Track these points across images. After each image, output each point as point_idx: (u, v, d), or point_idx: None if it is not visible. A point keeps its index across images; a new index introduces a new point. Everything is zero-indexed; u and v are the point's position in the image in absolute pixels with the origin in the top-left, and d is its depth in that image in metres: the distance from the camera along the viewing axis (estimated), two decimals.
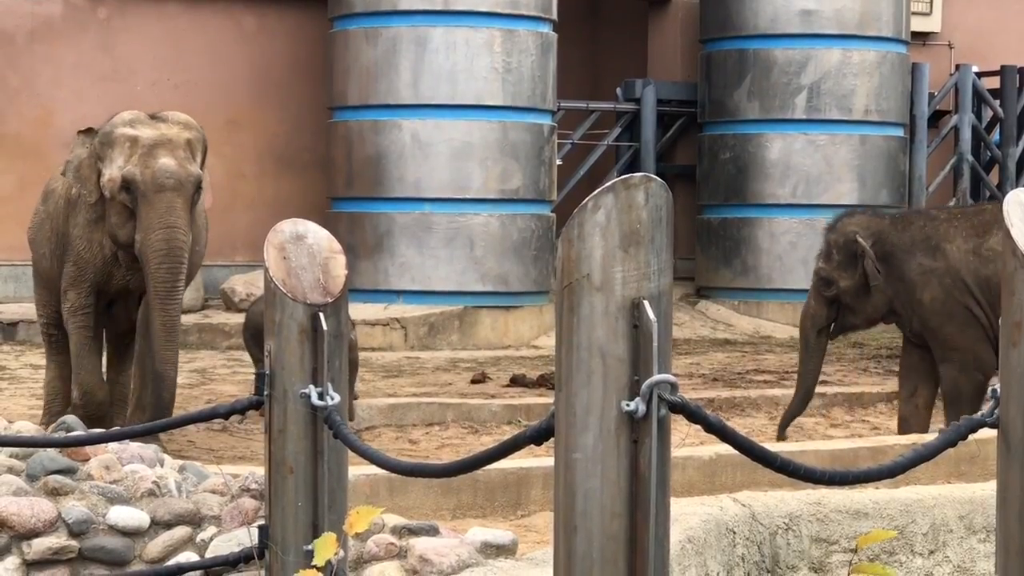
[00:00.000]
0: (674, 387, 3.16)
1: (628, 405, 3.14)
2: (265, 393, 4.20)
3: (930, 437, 11.41)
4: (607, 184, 3.20)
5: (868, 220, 12.01)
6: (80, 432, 5.27)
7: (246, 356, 12.87)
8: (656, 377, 3.13)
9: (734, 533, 6.38)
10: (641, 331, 3.15)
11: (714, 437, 3.34)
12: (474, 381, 13.61)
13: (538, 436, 3.36)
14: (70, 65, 17.03)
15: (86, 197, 9.91)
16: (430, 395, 12.62)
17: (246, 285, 16.13)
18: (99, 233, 9.93)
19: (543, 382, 13.05)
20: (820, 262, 11.87)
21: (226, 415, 4.62)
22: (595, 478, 3.17)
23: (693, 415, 3.19)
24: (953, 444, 3.36)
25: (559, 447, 3.21)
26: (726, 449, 9.61)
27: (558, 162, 17.73)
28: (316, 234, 4.26)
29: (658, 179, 3.22)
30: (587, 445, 3.17)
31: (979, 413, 3.12)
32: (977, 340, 11.89)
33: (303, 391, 4.14)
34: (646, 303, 3.15)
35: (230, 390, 12.34)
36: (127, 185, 9.65)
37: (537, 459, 9.08)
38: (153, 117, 10.01)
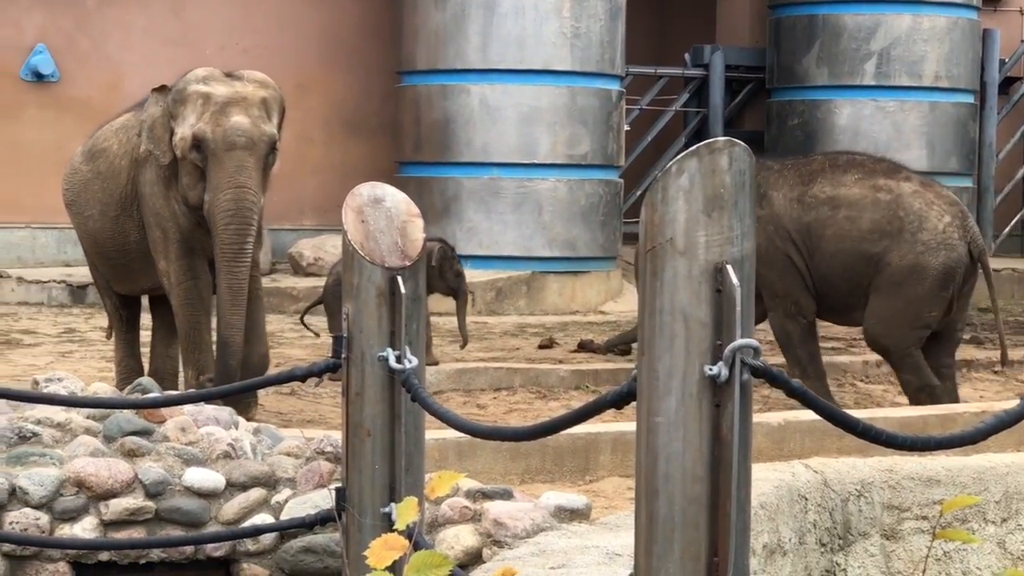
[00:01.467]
0: (756, 351, 3.14)
1: (711, 369, 3.13)
2: (343, 356, 4.21)
3: (1007, 405, 11.39)
4: (691, 148, 3.19)
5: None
6: (156, 394, 5.30)
7: (314, 320, 12.91)
8: (739, 342, 3.12)
9: (806, 499, 6.38)
10: (724, 295, 3.14)
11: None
12: (541, 346, 13.64)
13: (619, 400, 3.34)
14: (140, 29, 17.09)
15: (159, 158, 9.74)
16: (498, 360, 12.63)
17: (314, 249, 16.18)
18: (174, 194, 9.82)
19: (610, 348, 13.05)
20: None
21: (303, 378, 4.63)
22: (677, 442, 3.16)
23: (775, 379, 3.18)
24: None
25: (641, 411, 3.20)
26: (794, 415, 9.69)
27: (626, 128, 17.70)
28: (394, 197, 4.25)
29: (742, 143, 3.20)
30: (669, 409, 3.16)
31: None
32: (796, 287, 12.11)
33: (381, 354, 4.15)
34: (729, 267, 3.14)
35: (298, 354, 12.38)
36: (197, 143, 9.48)
37: (605, 424, 9.07)
38: (228, 75, 9.81)
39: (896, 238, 11.53)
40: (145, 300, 10.74)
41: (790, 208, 11.94)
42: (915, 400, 11.82)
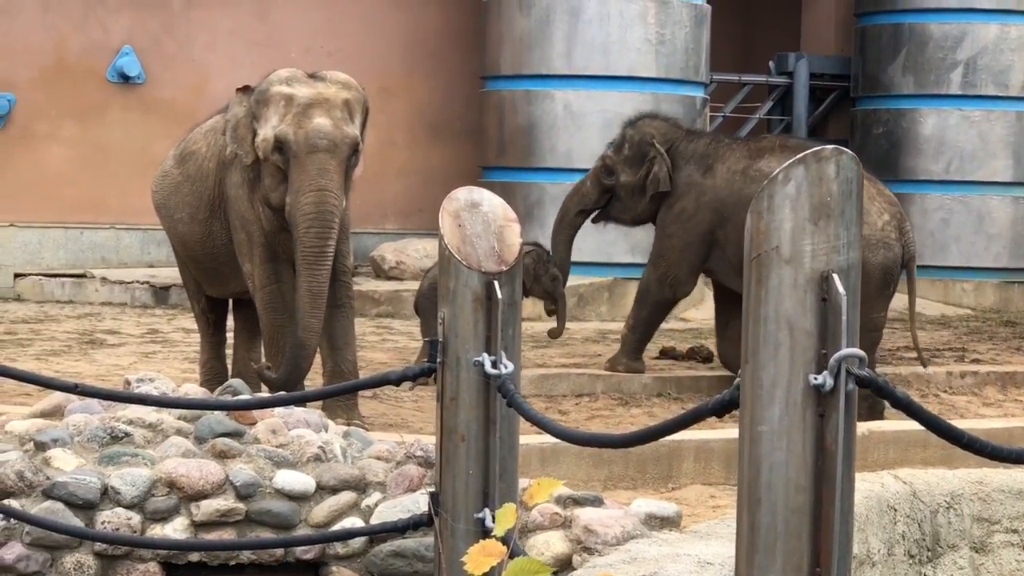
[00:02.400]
0: (862, 361, 3.13)
1: (816, 379, 3.12)
2: (438, 361, 4.21)
3: None
4: (799, 156, 3.18)
5: (667, 128, 12.63)
6: (247, 396, 5.32)
7: (395, 323, 12.96)
8: (845, 351, 3.11)
9: (895, 510, 6.34)
10: (830, 304, 3.13)
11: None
12: (664, 354, 13.54)
13: (720, 408, 3.34)
14: (225, 31, 17.19)
15: (242, 158, 9.72)
16: (579, 366, 12.65)
17: (395, 253, 16.22)
18: (258, 197, 9.80)
19: (692, 355, 13.03)
20: (610, 150, 12.52)
21: (397, 382, 4.62)
22: (780, 451, 3.16)
23: (881, 390, 3.18)
24: None
25: (744, 420, 3.19)
26: (877, 426, 9.63)
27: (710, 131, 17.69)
28: (491, 202, 4.25)
29: (849, 152, 3.20)
30: (773, 418, 3.15)
31: None
32: (688, 265, 12.50)
33: (476, 359, 4.15)
34: (835, 276, 3.13)
35: (380, 357, 12.42)
36: (280, 145, 9.46)
37: (688, 432, 8.98)
38: (312, 76, 9.77)
39: None
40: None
41: (731, 180, 12.11)
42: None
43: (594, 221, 12.95)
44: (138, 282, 15.99)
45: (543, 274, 12.04)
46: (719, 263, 12.21)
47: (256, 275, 9.86)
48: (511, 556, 3.26)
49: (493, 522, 3.97)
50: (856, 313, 3.16)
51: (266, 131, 9.54)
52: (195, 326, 11.42)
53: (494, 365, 4.13)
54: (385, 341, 13.23)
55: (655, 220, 12.44)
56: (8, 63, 16.54)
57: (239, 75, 16.28)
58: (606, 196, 12.49)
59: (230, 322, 10.90)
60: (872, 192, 11.88)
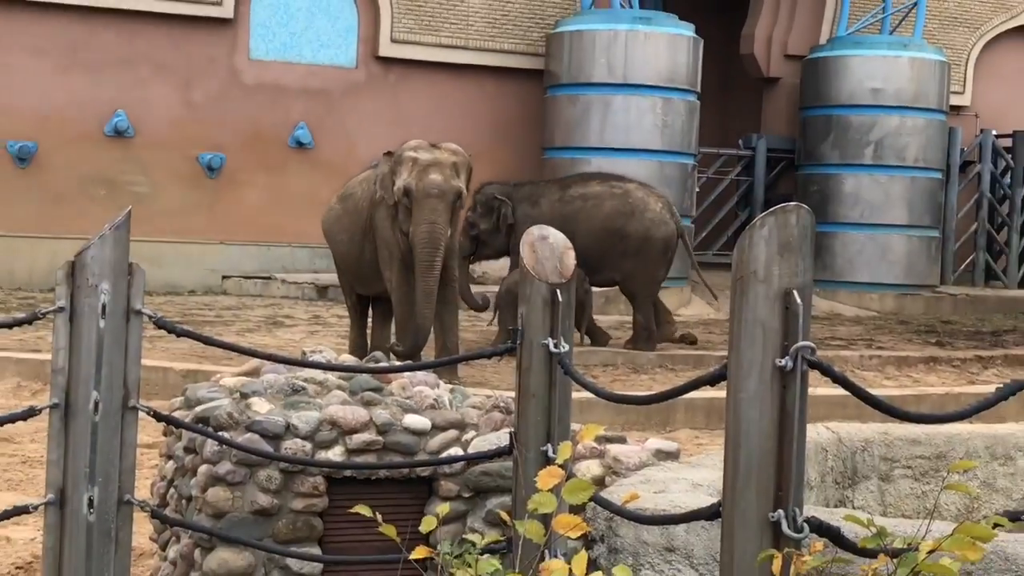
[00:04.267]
0: (813, 351, 3.13)
1: (780, 362, 3.12)
2: (518, 343, 4.23)
3: (964, 389, 11.28)
4: (770, 209, 3.18)
5: (501, 186, 12.91)
6: (385, 364, 5.36)
7: (481, 315, 12.93)
8: (801, 344, 3.11)
9: (826, 451, 6.30)
10: (791, 312, 3.12)
11: None
12: (682, 339, 13.47)
13: (713, 380, 3.35)
14: (368, 113, 17.22)
15: (387, 200, 10.01)
16: (609, 347, 12.58)
17: (481, 266, 16.07)
18: (396, 227, 10.04)
19: (683, 339, 12.98)
20: (469, 212, 12.50)
21: (490, 356, 4.66)
22: (755, 411, 3.15)
23: (826, 371, 3.18)
24: (1006, 399, 3.27)
25: (730, 389, 3.19)
26: (813, 391, 9.53)
27: (696, 189, 17.67)
28: (555, 236, 4.28)
29: (806, 207, 3.18)
30: (750, 388, 3.15)
31: None
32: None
33: (543, 342, 4.17)
34: (795, 292, 3.13)
35: (470, 338, 12.41)
36: (407, 192, 9.76)
37: (691, 396, 8.97)
38: (432, 145, 10.14)
39: (629, 217, 12.26)
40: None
41: (554, 206, 12.48)
42: (636, 334, 12.49)
43: (471, 263, 13.18)
44: (306, 283, 16.06)
45: (580, 287, 12.02)
46: None
47: (393, 280, 10.15)
48: (567, 478, 3.26)
49: (554, 453, 4.00)
50: (808, 317, 3.15)
51: (400, 182, 9.87)
52: (347, 314, 11.55)
53: (555, 346, 4.15)
54: (474, 326, 13.22)
55: (509, 251, 12.61)
56: (222, 133, 16.65)
57: (377, 143, 16.35)
58: (474, 244, 12.63)
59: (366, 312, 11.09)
60: (647, 190, 12.81)
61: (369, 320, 11.08)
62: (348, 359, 5.55)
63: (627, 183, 12.82)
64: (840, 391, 3.36)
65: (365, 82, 17.31)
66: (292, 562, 4.53)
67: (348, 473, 4.59)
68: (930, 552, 2.76)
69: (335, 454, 4.61)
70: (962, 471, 2.44)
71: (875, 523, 2.94)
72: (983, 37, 20.23)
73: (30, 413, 4.20)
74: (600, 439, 4.98)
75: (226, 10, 16.46)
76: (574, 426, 4.36)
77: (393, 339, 10.47)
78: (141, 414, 4.19)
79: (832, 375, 3.18)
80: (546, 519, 3.18)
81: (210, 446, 4.54)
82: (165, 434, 5.19)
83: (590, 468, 4.80)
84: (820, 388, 10.84)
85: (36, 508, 4.16)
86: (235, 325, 13.09)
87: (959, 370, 12.82)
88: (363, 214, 10.44)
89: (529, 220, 12.38)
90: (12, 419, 4.21)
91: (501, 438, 4.56)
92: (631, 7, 17.00)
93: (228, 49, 16.72)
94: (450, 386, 5.37)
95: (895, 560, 2.81)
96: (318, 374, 4.96)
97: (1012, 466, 6.66)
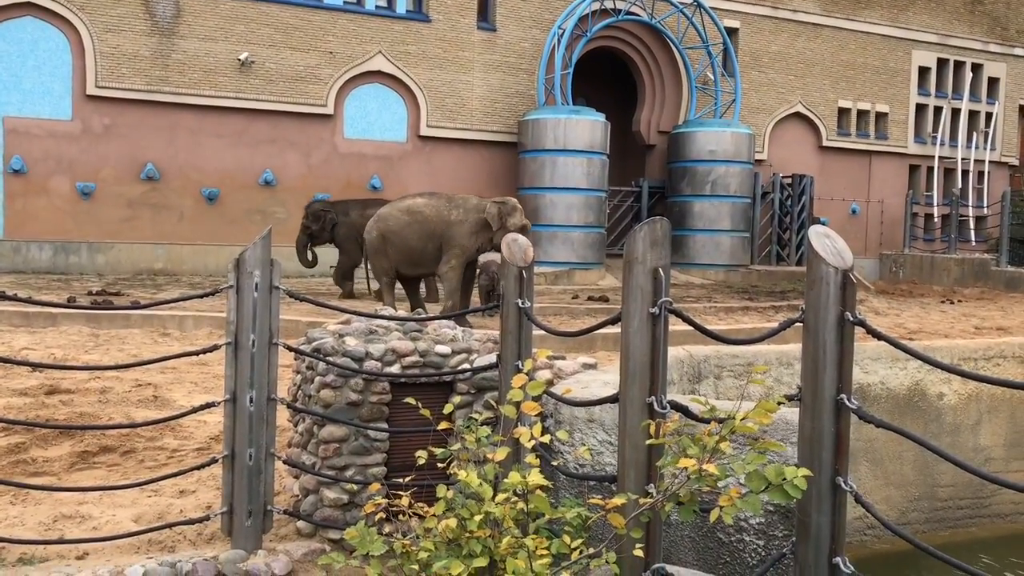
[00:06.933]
0: (671, 303, 3.10)
1: (652, 310, 3.09)
2: (500, 303, 4.18)
3: (766, 326, 11.24)
4: (645, 221, 3.15)
5: (326, 203, 12.60)
6: (424, 315, 5.28)
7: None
8: (663, 299, 3.08)
9: (683, 362, 6.31)
10: (657, 281, 3.10)
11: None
12: (574, 297, 13.44)
13: (615, 321, 3.31)
14: (413, 169, 17.08)
15: (494, 226, 9.76)
16: (557, 304, 12.51)
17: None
18: (475, 238, 9.87)
19: (600, 299, 12.94)
20: (306, 220, 12.23)
21: (484, 311, 4.59)
22: (638, 338, 3.13)
23: (679, 315, 3.14)
24: (785, 329, 3.23)
25: (624, 327, 3.17)
26: (680, 328, 9.46)
27: (607, 211, 17.53)
28: (521, 239, 4.19)
29: (666, 219, 3.16)
30: (635, 325, 3.13)
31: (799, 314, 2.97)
32: (354, 256, 12.28)
33: (515, 301, 4.12)
34: (660, 269, 3.10)
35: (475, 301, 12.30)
36: (523, 228, 9.80)
37: (603, 331, 8.88)
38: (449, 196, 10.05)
39: (447, 224, 10.94)
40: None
41: (358, 217, 12.18)
42: (445, 306, 11.06)
43: (311, 248, 12.86)
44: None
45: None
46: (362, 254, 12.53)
47: (453, 269, 9.88)
48: (530, 380, 3.25)
49: (523, 366, 3.97)
50: (668, 284, 3.13)
51: (516, 219, 9.82)
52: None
53: (522, 303, 4.09)
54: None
55: (333, 242, 12.55)
56: (328, 182, 16.47)
57: (418, 187, 16.25)
58: (308, 237, 12.56)
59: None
60: (458, 202, 10.93)
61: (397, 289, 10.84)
62: (401, 314, 5.50)
63: (438, 197, 12.42)
64: (689, 328, 3.35)
65: (412, 151, 17.10)
66: (370, 432, 4.52)
67: (403, 380, 4.56)
68: (741, 420, 2.77)
69: (395, 369, 4.59)
70: (761, 373, 2.41)
71: (709, 403, 2.96)
72: (773, 119, 20.14)
73: (214, 348, 4.18)
74: (550, 358, 4.97)
75: (329, 109, 16.30)
76: (534, 350, 4.31)
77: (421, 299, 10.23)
78: (280, 348, 4.17)
79: (682, 317, 3.15)
80: (518, 405, 3.19)
81: (321, 365, 4.51)
82: (295, 359, 5.17)
83: (543, 375, 4.78)
84: (679, 326, 10.82)
85: (219, 403, 4.15)
86: (336, 296, 12.99)
87: (762, 314, 12.77)
88: (429, 224, 9.93)
89: (343, 224, 12.42)
90: (205, 351, 4.19)
91: (493, 358, 4.54)
92: (568, 103, 16.90)
93: (331, 132, 16.53)
94: (462, 328, 5.35)
95: (721, 424, 2.83)
96: (383, 323, 4.93)
97: (792, 369, 6.68)
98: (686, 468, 2.56)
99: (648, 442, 2.91)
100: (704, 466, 2.54)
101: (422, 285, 12.51)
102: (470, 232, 9.81)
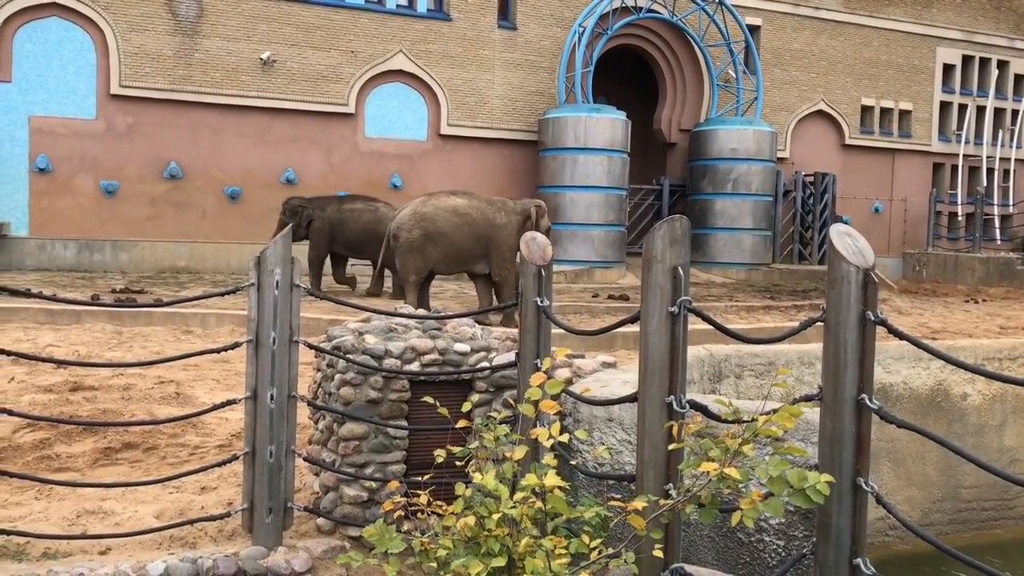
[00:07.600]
0: (690, 302, 3.08)
1: (671, 309, 3.07)
2: (519, 301, 4.17)
3: (788, 325, 11.18)
4: (664, 219, 3.13)
5: (303, 199, 12.59)
6: (443, 313, 5.29)
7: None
8: (683, 298, 3.06)
9: (703, 361, 6.28)
10: (676, 279, 3.07)
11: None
12: (594, 296, 13.42)
13: (634, 320, 3.27)
14: (434, 168, 17.12)
15: (532, 227, 9.82)
16: (576, 303, 12.50)
17: None
18: (516, 238, 9.82)
19: (620, 298, 12.91)
20: (282, 215, 12.36)
21: (503, 309, 4.57)
22: (657, 337, 3.11)
23: (699, 314, 3.12)
24: (806, 328, 3.20)
25: (643, 325, 3.14)
26: (700, 327, 9.46)
27: (628, 209, 17.49)
28: (543, 238, 4.19)
29: (685, 217, 3.14)
30: (654, 324, 3.11)
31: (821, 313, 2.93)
32: (323, 250, 12.28)
33: (535, 299, 4.10)
34: (680, 268, 3.08)
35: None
36: (548, 229, 10.06)
37: (623, 328, 8.86)
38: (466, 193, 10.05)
39: (379, 223, 11.36)
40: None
41: (334, 213, 12.02)
42: (395, 295, 11.41)
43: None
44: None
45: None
46: (339, 248, 12.50)
47: (509, 272, 9.86)
48: (549, 379, 3.24)
49: (541, 365, 3.96)
50: (688, 283, 3.11)
51: (546, 222, 9.88)
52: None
53: (541, 302, 4.08)
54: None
55: (307, 236, 12.55)
56: (349, 181, 16.54)
57: (439, 185, 16.27)
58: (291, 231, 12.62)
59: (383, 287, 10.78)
60: (389, 208, 11.62)
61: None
62: (420, 312, 5.51)
63: (378, 203, 12.42)
64: (710, 327, 3.32)
65: (432, 149, 17.13)
66: (390, 430, 4.53)
67: (422, 378, 4.56)
68: (764, 422, 2.75)
69: (414, 367, 4.59)
70: (784, 375, 2.41)
71: (732, 403, 2.94)
72: (795, 117, 20.02)
73: (236, 345, 4.20)
74: (569, 356, 4.95)
75: (351, 108, 16.36)
76: (553, 349, 4.31)
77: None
78: (301, 345, 4.18)
79: (701, 316, 3.14)
80: (537, 403, 3.17)
81: (341, 363, 4.52)
82: (316, 356, 5.19)
83: (563, 373, 4.77)
84: (699, 325, 10.83)
85: (240, 400, 4.17)
86: (355, 294, 13.03)
87: (783, 313, 12.72)
88: (477, 226, 9.81)
89: (319, 219, 12.42)
90: (227, 348, 4.21)
91: (511, 357, 4.52)
92: (589, 101, 16.85)
93: (352, 131, 16.59)
94: (481, 327, 5.34)
95: (743, 426, 2.81)
96: (403, 320, 4.93)
97: (813, 369, 6.62)
98: (707, 471, 2.54)
99: (671, 447, 2.88)
100: (726, 470, 2.52)
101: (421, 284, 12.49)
102: (514, 233, 9.81)
